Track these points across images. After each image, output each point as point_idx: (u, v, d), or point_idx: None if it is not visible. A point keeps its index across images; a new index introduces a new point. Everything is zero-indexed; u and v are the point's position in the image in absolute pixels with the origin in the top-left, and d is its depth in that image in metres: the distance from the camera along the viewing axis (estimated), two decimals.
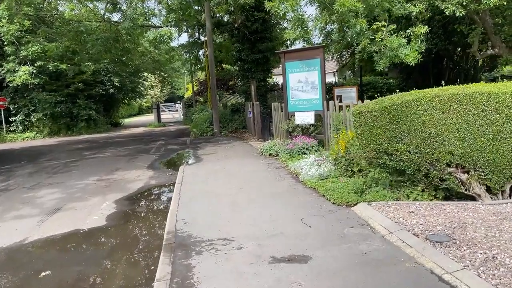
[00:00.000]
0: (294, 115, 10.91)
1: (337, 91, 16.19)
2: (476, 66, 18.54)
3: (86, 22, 18.13)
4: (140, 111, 56.37)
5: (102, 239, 5.77)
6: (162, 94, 66.91)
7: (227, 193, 7.11)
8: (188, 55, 24.80)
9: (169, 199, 7.35)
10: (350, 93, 16.03)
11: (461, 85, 6.18)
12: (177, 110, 32.90)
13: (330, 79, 38.42)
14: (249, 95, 18.48)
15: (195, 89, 32.08)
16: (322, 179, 7.04)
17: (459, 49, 17.94)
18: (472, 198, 5.78)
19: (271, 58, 18.68)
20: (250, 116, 16.96)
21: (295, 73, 10.78)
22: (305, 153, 9.86)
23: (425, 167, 5.70)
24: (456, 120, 5.55)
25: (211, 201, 6.70)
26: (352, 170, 6.96)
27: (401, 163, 5.79)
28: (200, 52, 26.55)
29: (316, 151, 9.95)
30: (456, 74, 18.65)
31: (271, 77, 19.80)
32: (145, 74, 33.99)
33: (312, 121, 10.59)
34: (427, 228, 4.72)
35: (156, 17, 19.98)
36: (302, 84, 10.71)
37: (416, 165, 5.72)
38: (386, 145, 5.83)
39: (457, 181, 5.66)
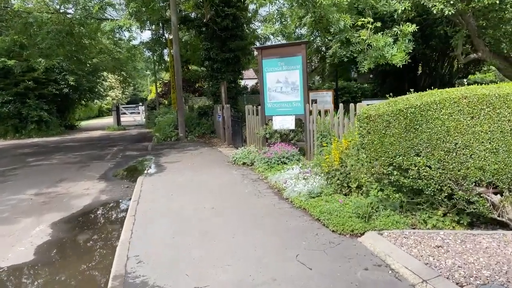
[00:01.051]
0: (272, 120, 9.62)
1: (312, 95, 15.03)
2: (452, 72, 17.98)
3: (36, 13, 16.19)
4: (100, 113, 53.54)
5: (23, 286, 4.21)
6: (124, 96, 64.18)
7: (197, 215, 5.68)
8: (151, 53, 23.04)
9: (122, 222, 5.84)
10: (325, 97, 14.97)
11: (491, 85, 5.05)
12: (139, 113, 30.90)
13: None
14: (218, 98, 17.09)
15: (159, 90, 30.27)
16: (313, 197, 5.76)
17: (436, 53, 17.30)
18: (503, 225, 4.66)
19: (242, 58, 17.37)
20: (219, 120, 15.55)
21: (273, 72, 9.50)
22: (285, 163, 8.57)
23: (449, 186, 4.51)
24: (488, 128, 4.40)
25: (175, 226, 5.25)
26: (348, 186, 5.71)
27: (419, 181, 4.58)
28: (165, 52, 24.91)
29: (297, 160, 8.68)
30: (432, 79, 18.02)
31: (242, 79, 18.50)
32: (105, 73, 31.82)
33: (293, 127, 9.33)
34: (471, 273, 3.50)
35: (116, 11, 18.26)
36: (281, 84, 9.44)
37: (437, 183, 4.53)
38: (400, 158, 4.60)
39: (488, 204, 4.51)
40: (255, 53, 16.41)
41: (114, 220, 6.39)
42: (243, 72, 19.36)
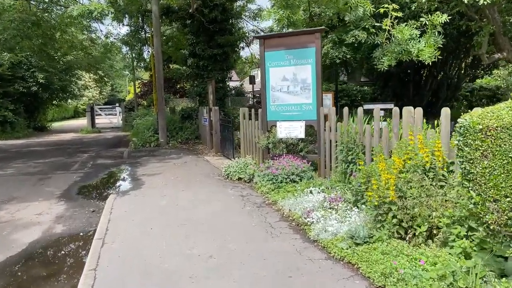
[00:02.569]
0: (275, 126, 7.83)
1: None
2: (460, 75, 16.59)
3: None
4: (76, 114, 50.76)
5: None
6: (102, 96, 61.41)
7: (188, 271, 3.84)
8: (128, 48, 20.95)
9: (76, 279, 3.94)
10: (324, 100, 13.24)
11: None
12: (115, 114, 28.68)
13: None
14: (204, 99, 15.24)
15: (137, 90, 28.14)
16: (359, 244, 3.97)
17: (445, 53, 15.86)
18: None
19: (231, 55, 15.57)
20: (205, 124, 13.69)
21: (278, 67, 7.73)
22: (295, 181, 6.80)
23: None
24: None
25: None
26: (413, 228, 3.94)
27: None
28: (145, 49, 22.90)
29: (310, 178, 6.93)
30: (439, 82, 16.58)
31: (231, 78, 16.71)
32: (79, 72, 29.45)
33: (302, 135, 7.57)
34: None
35: None
36: (288, 83, 7.67)
37: None
38: None
39: None
40: (250, 49, 14.67)
41: (66, 275, 4.45)
42: (231, 72, 17.54)
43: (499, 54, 11.44)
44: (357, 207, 4.83)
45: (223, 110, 14.65)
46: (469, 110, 3.27)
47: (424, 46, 8.10)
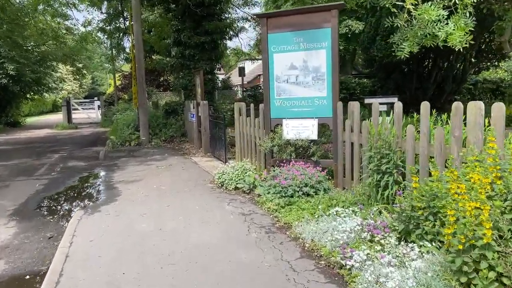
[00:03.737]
0: (281, 125, 6.41)
1: None
2: (466, 66, 15.39)
3: None
4: (55, 108, 48.33)
5: None
6: (82, 89, 59.03)
7: None
8: (106, 36, 19.18)
9: None
10: None
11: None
12: (94, 109, 26.86)
13: None
14: (191, 92, 13.72)
15: (118, 83, 26.34)
16: None
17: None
18: None
19: (220, 43, 14.06)
20: (192, 120, 12.20)
21: (285, 52, 6.30)
22: (309, 195, 5.42)
23: None
24: None
25: None
26: None
27: None
28: (126, 40, 21.17)
29: (326, 190, 5.55)
30: (444, 74, 15.36)
31: (220, 69, 15.21)
32: (54, 63, 27.41)
33: (315, 136, 6.17)
34: None
35: None
36: (297, 71, 6.24)
37: None
38: None
39: None
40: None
41: None
42: (219, 65, 15.99)
43: None
44: (412, 241, 3.46)
45: (212, 105, 13.17)
46: None
47: (454, 29, 6.72)
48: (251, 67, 36.20)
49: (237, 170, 7.01)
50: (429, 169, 4.31)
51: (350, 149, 5.64)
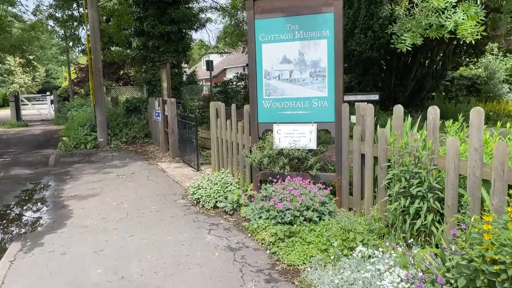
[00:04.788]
0: (272, 131, 5.27)
1: None
2: (446, 62, 14.80)
3: None
4: (6, 103, 45.02)
5: None
6: (35, 83, 55.44)
7: None
8: (59, 25, 17.29)
9: None
10: None
11: None
12: (46, 104, 24.68)
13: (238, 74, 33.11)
14: (155, 88, 12.34)
15: (73, 77, 24.28)
16: None
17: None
18: None
19: (188, 33, 12.73)
20: (158, 119, 10.86)
21: (276, 42, 5.15)
22: (311, 220, 4.33)
23: None
24: None
25: None
26: None
27: None
28: (81, 30, 19.29)
29: (331, 212, 4.49)
30: (424, 70, 14.72)
31: (188, 62, 13.86)
32: (2, 54, 24.94)
33: (313, 145, 5.07)
34: None
35: None
36: (291, 66, 5.11)
37: None
38: None
39: None
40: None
41: None
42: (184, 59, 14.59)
43: None
44: None
45: (180, 102, 11.84)
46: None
47: (463, 19, 5.79)
48: (216, 61, 34.84)
49: (216, 183, 5.83)
50: (482, 197, 3.33)
51: (360, 162, 4.59)
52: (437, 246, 3.43)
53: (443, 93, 17.63)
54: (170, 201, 6.09)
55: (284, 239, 4.07)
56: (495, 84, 16.39)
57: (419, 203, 3.65)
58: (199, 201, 5.76)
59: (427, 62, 14.69)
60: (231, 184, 5.85)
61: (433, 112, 3.69)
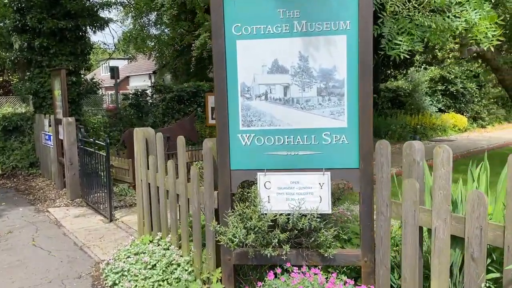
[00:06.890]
0: (256, 183, 3.17)
1: (212, 100, 8.99)
2: (378, 74, 14.01)
3: None
4: None
5: None
6: None
7: None
8: None
9: None
10: None
11: None
12: None
13: (143, 82, 29.95)
14: (44, 101, 9.45)
15: None
16: None
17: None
18: None
19: (88, 29, 10.02)
20: (49, 144, 8.06)
21: (260, 38, 3.09)
22: None
23: None
24: None
25: None
26: None
27: None
28: None
29: None
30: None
31: (89, 69, 11.05)
32: None
33: (326, 206, 3.09)
34: None
35: None
36: (286, 77, 3.10)
37: None
38: None
39: None
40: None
41: None
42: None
43: (476, 47, 8.71)
44: None
45: (79, 120, 9.08)
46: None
47: (479, 19, 4.29)
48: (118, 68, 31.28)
49: (154, 266, 3.57)
50: None
51: (417, 239, 2.74)
52: None
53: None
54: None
55: None
56: (419, 96, 16.14)
57: None
58: None
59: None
60: (175, 263, 3.63)
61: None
